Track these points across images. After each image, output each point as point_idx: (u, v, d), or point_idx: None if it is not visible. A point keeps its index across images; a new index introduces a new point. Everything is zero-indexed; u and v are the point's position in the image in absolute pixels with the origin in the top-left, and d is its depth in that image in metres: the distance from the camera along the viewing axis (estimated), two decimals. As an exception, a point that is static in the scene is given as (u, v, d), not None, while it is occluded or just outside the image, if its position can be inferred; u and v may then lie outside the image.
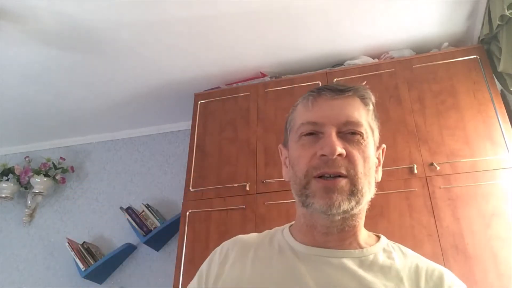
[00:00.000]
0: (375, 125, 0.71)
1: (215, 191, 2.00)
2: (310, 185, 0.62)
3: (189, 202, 2.01)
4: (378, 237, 0.72)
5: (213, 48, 2.17)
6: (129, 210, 2.49)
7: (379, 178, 0.70)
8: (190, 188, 2.05)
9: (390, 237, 0.72)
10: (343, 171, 0.61)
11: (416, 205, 1.67)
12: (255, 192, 1.91)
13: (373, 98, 0.72)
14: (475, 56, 1.91)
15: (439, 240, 1.58)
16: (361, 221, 0.68)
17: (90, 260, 2.42)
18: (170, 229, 2.42)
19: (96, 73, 2.35)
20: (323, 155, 0.61)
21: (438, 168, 1.70)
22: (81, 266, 2.38)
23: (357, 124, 0.65)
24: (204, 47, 2.16)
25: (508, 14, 1.60)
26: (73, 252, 2.43)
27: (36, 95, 2.53)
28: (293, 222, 0.75)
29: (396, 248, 0.69)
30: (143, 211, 2.48)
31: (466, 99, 1.82)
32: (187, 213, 1.98)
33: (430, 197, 1.66)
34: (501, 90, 1.87)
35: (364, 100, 0.70)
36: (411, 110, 1.87)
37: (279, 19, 1.97)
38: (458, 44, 2.13)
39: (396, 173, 1.75)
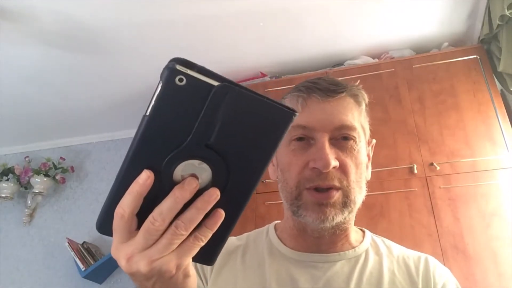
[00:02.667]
0: (366, 124, 0.68)
1: (215, 191, 1.99)
2: (301, 196, 0.61)
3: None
4: (362, 231, 0.72)
5: (213, 48, 2.17)
6: (129, 210, 2.48)
7: (369, 176, 0.68)
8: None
9: (390, 237, 0.72)
10: (337, 184, 0.59)
11: (416, 205, 1.67)
12: (255, 192, 1.91)
13: (366, 97, 0.69)
14: (475, 56, 1.91)
15: (439, 240, 1.58)
16: (352, 222, 0.68)
17: (90, 260, 2.42)
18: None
19: (96, 73, 2.35)
20: (315, 167, 0.59)
21: (438, 168, 1.70)
22: (81, 266, 2.38)
23: (351, 128, 0.62)
24: (203, 47, 2.16)
25: (508, 14, 1.60)
26: (73, 252, 2.43)
27: (36, 95, 2.53)
28: (277, 222, 0.74)
29: (380, 242, 0.70)
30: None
31: (466, 99, 1.82)
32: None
33: (430, 197, 1.66)
34: (501, 90, 1.87)
35: (357, 99, 0.67)
36: (411, 110, 1.87)
37: (279, 19, 1.97)
38: (458, 44, 2.13)
39: (396, 173, 1.75)
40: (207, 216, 0.34)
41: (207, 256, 0.37)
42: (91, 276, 2.41)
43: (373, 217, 1.67)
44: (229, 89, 0.32)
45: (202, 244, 0.35)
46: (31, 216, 2.83)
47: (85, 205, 2.79)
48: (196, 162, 0.34)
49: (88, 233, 2.67)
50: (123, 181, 0.34)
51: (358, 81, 0.72)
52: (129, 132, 2.94)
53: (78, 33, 2.01)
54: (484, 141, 1.71)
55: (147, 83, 2.46)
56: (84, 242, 2.53)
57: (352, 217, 0.66)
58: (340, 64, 2.24)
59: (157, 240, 0.33)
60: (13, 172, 2.85)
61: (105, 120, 2.84)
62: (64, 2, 1.80)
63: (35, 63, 2.23)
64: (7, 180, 2.84)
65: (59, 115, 2.77)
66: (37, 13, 1.86)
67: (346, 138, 0.62)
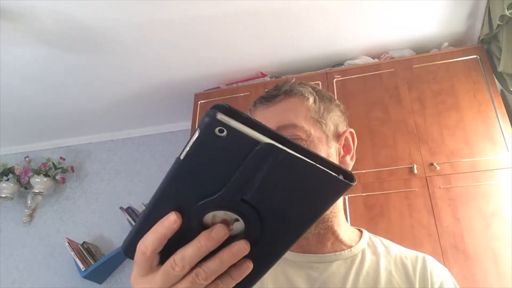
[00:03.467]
0: (326, 115, 0.66)
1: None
2: None
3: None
4: (360, 231, 0.71)
5: (213, 48, 2.17)
6: (129, 210, 2.49)
7: (348, 168, 0.67)
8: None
9: (390, 237, 0.72)
10: None
11: (416, 205, 1.67)
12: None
13: (309, 89, 0.67)
14: (475, 56, 1.91)
15: (439, 240, 1.58)
16: (335, 219, 0.66)
17: (90, 260, 2.42)
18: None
19: (96, 73, 2.35)
20: None
21: (438, 168, 1.70)
22: (81, 266, 2.38)
23: (290, 126, 0.61)
24: (204, 47, 2.16)
25: (508, 14, 1.60)
26: (73, 252, 2.43)
27: (36, 95, 2.53)
28: None
29: (378, 242, 0.69)
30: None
31: (466, 99, 1.82)
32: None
33: (430, 197, 1.66)
34: (501, 90, 1.87)
35: (300, 96, 0.65)
36: (411, 110, 1.87)
37: (279, 19, 1.97)
38: (458, 44, 2.13)
39: (396, 173, 1.75)
40: (234, 264, 0.33)
41: None
42: (91, 276, 2.41)
43: (373, 217, 1.67)
44: (275, 149, 0.29)
45: None
46: (31, 216, 2.83)
47: (85, 205, 2.79)
48: (228, 212, 0.32)
49: (88, 233, 2.67)
50: (150, 214, 0.33)
51: (293, 79, 0.71)
52: (129, 132, 2.94)
53: (78, 33, 2.01)
54: (484, 141, 1.71)
55: (147, 83, 2.46)
56: (84, 242, 2.53)
57: (330, 212, 0.64)
58: (340, 64, 2.24)
59: (176, 283, 0.32)
60: (13, 172, 2.85)
61: (105, 120, 2.84)
62: (64, 2, 1.80)
63: (35, 63, 2.23)
64: (7, 180, 2.84)
65: (59, 115, 2.77)
66: (37, 13, 1.86)
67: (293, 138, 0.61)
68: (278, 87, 0.66)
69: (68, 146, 3.06)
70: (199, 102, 2.28)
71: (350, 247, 0.66)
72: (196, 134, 0.29)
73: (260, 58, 2.27)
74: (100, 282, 2.48)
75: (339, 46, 2.17)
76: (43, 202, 2.87)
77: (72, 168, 2.89)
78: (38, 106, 2.65)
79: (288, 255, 0.65)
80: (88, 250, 2.47)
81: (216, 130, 0.28)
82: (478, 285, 1.47)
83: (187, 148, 0.30)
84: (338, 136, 0.67)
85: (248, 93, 2.21)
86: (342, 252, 0.65)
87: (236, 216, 0.32)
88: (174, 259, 0.32)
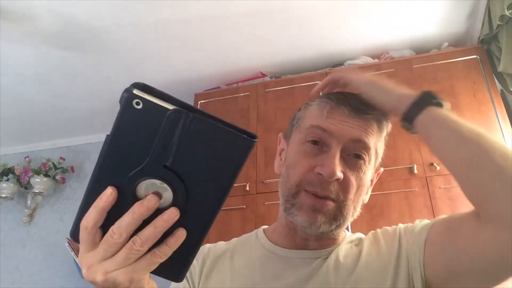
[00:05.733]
0: (381, 151, 0.69)
1: (215, 191, 1.99)
2: (299, 196, 0.62)
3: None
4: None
5: (213, 48, 2.17)
6: (129, 210, 2.49)
7: (366, 200, 0.69)
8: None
9: (390, 237, 0.73)
10: (333, 196, 0.61)
11: (416, 205, 1.67)
12: (255, 192, 1.91)
13: (389, 127, 0.69)
14: (475, 56, 1.91)
15: (439, 240, 1.58)
16: (341, 233, 0.70)
17: (90, 260, 2.42)
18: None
19: (96, 73, 2.35)
20: (320, 173, 0.60)
21: (438, 168, 1.70)
22: (81, 266, 2.38)
23: (366, 146, 0.63)
24: (204, 47, 2.16)
25: (508, 14, 1.60)
26: (73, 252, 2.42)
27: (36, 95, 2.53)
28: (265, 227, 0.76)
29: (357, 235, 0.73)
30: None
31: (466, 99, 1.82)
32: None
33: (430, 197, 1.66)
34: (501, 90, 1.87)
35: (380, 125, 0.67)
36: (411, 110, 1.87)
37: (279, 19, 1.97)
38: (458, 44, 2.13)
39: (396, 173, 1.75)
40: (170, 234, 0.36)
41: (175, 272, 0.39)
42: (91, 276, 2.41)
43: (373, 217, 1.67)
44: (182, 114, 0.33)
45: (161, 261, 0.36)
46: (31, 216, 2.83)
47: (85, 205, 2.79)
48: (157, 181, 0.35)
49: (88, 233, 2.67)
50: (90, 195, 0.36)
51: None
52: (129, 132, 2.94)
53: (78, 33, 2.01)
54: (484, 141, 1.71)
55: (146, 83, 2.46)
56: (84, 242, 2.53)
57: (340, 231, 0.69)
58: (340, 64, 2.24)
59: (116, 252, 0.36)
60: (13, 172, 2.85)
61: (105, 120, 2.83)
62: (64, 2, 1.80)
63: (35, 63, 2.23)
64: (7, 180, 2.84)
65: (59, 115, 2.77)
66: (37, 13, 1.86)
67: (358, 156, 0.63)
68: (367, 105, 0.66)
69: (68, 146, 3.06)
70: (199, 102, 2.28)
71: (339, 244, 0.68)
72: (119, 110, 0.34)
73: (260, 58, 2.27)
74: (100, 282, 2.49)
75: (339, 46, 2.17)
76: (43, 202, 2.87)
77: (72, 168, 2.89)
78: (38, 106, 2.65)
79: (279, 251, 0.68)
80: (88, 250, 2.47)
81: (134, 103, 0.33)
82: (478, 285, 1.47)
83: (114, 124, 0.35)
84: (376, 169, 0.70)
85: (248, 93, 2.21)
86: (331, 248, 0.67)
87: (165, 187, 0.35)
88: (113, 229, 0.35)
